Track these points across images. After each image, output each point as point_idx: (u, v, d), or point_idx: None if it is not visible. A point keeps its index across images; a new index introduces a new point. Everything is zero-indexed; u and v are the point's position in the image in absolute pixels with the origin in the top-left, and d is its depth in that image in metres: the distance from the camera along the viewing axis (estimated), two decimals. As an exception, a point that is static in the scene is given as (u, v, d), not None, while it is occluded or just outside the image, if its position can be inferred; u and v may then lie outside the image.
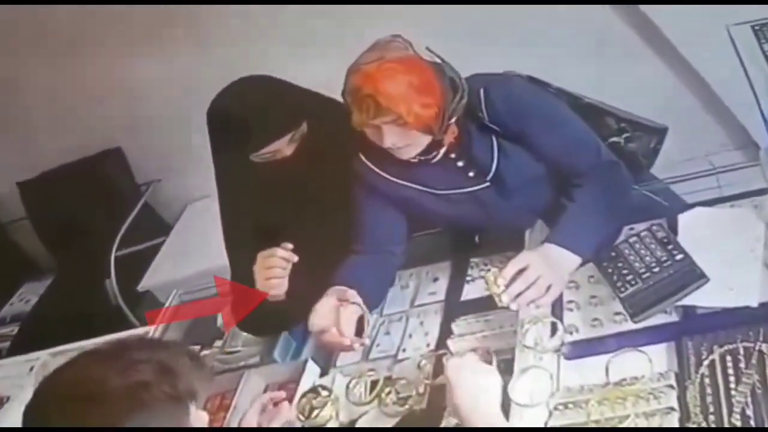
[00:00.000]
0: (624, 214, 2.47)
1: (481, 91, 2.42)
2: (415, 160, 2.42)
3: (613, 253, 2.34)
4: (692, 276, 2.16)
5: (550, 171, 2.53)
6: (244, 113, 2.46)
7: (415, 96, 2.24)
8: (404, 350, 2.56)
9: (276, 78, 2.61)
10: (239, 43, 4.39)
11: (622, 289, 2.23)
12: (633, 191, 2.61)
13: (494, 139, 2.47)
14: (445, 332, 2.50)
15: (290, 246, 2.52)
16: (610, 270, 2.31)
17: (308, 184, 2.61)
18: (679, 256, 2.24)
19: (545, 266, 2.26)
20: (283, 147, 2.51)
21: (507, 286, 2.23)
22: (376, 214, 2.60)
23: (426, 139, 2.35)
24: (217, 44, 4.47)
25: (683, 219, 2.40)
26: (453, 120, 2.37)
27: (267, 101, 2.49)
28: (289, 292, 2.58)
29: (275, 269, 2.54)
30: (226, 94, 2.55)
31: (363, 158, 2.54)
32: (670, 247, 2.28)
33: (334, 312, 2.40)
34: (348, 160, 2.56)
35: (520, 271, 2.24)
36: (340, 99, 2.36)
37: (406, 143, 2.33)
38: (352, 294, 2.45)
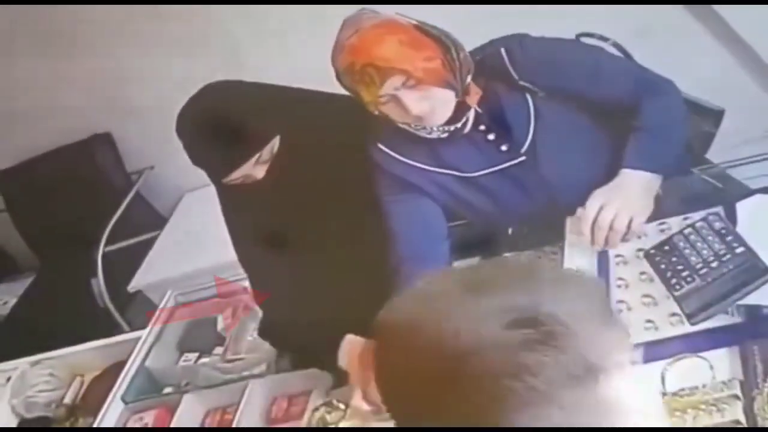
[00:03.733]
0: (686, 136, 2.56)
1: (503, 51, 2.44)
2: (445, 135, 2.39)
3: (667, 247, 2.30)
4: (755, 271, 2.11)
5: (595, 117, 2.53)
6: (203, 143, 2.42)
7: (412, 51, 2.25)
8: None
9: (240, 85, 2.55)
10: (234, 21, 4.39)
11: (677, 287, 2.19)
12: (691, 174, 2.66)
13: (529, 99, 2.46)
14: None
15: None
16: (663, 266, 2.27)
17: (298, 199, 2.54)
18: (740, 249, 2.19)
19: (621, 198, 2.32)
20: (251, 171, 2.43)
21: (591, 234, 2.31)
22: (411, 210, 2.53)
23: (450, 96, 2.33)
24: (212, 24, 4.46)
25: (742, 207, 2.36)
26: (469, 77, 2.35)
27: (225, 120, 2.41)
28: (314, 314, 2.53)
29: None
30: (184, 117, 2.49)
31: (382, 147, 2.50)
32: (729, 239, 2.23)
33: None
34: (348, 158, 2.51)
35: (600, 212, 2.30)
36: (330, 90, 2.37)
37: (433, 105, 2.31)
38: None
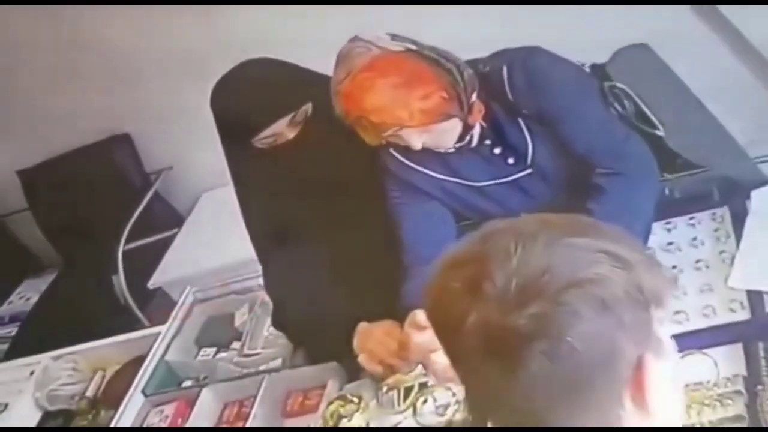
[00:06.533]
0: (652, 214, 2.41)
1: (504, 70, 2.36)
2: (452, 150, 2.37)
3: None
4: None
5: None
6: (242, 97, 2.46)
7: (407, 94, 2.19)
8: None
9: (279, 60, 2.58)
10: (253, 21, 4.41)
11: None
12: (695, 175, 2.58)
13: (521, 121, 2.40)
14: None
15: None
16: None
17: (323, 172, 2.55)
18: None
19: None
20: (283, 129, 2.46)
21: None
22: (420, 212, 2.51)
23: (454, 123, 2.29)
24: (231, 22, 4.48)
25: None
26: (474, 96, 2.29)
27: (264, 82, 2.47)
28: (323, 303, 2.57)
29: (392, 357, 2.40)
30: (224, 80, 2.54)
31: (393, 152, 2.47)
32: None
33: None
34: (369, 148, 2.47)
35: None
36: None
37: (436, 137, 2.29)
38: None
